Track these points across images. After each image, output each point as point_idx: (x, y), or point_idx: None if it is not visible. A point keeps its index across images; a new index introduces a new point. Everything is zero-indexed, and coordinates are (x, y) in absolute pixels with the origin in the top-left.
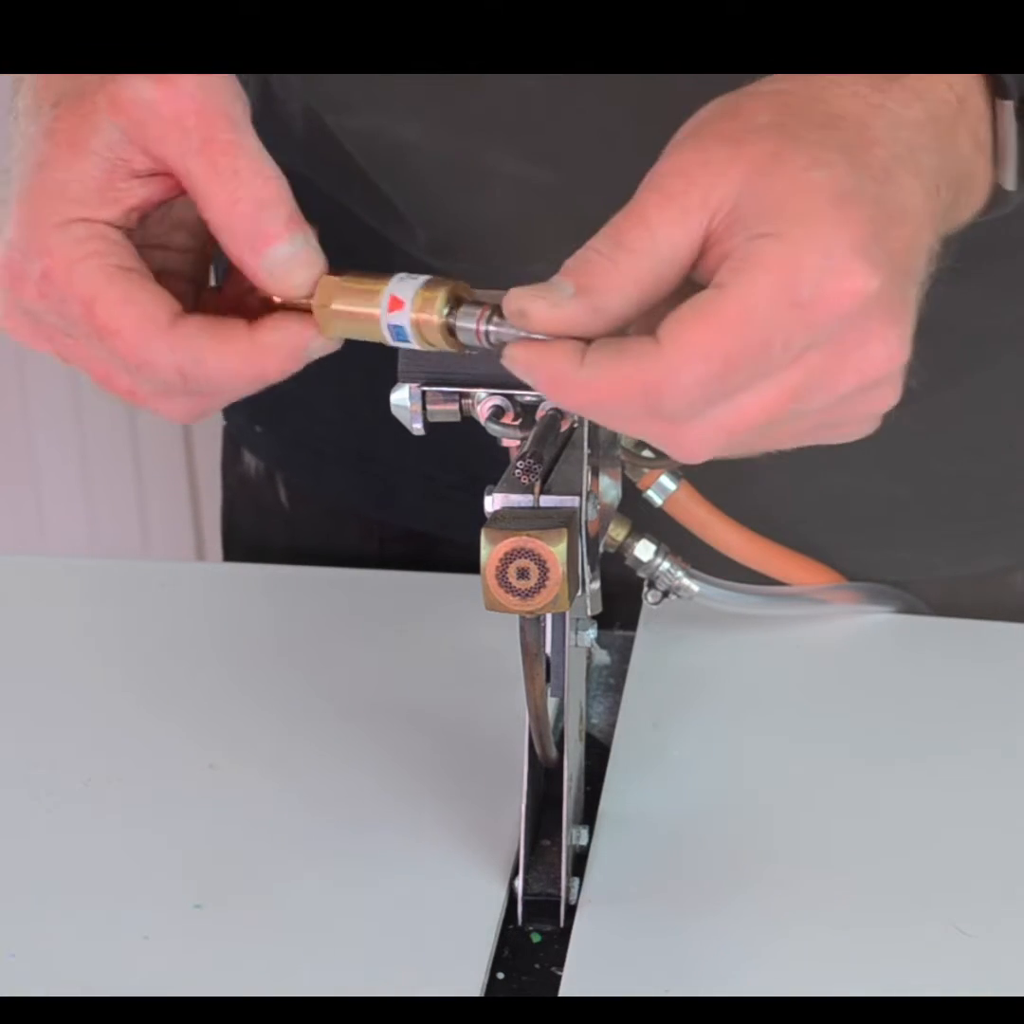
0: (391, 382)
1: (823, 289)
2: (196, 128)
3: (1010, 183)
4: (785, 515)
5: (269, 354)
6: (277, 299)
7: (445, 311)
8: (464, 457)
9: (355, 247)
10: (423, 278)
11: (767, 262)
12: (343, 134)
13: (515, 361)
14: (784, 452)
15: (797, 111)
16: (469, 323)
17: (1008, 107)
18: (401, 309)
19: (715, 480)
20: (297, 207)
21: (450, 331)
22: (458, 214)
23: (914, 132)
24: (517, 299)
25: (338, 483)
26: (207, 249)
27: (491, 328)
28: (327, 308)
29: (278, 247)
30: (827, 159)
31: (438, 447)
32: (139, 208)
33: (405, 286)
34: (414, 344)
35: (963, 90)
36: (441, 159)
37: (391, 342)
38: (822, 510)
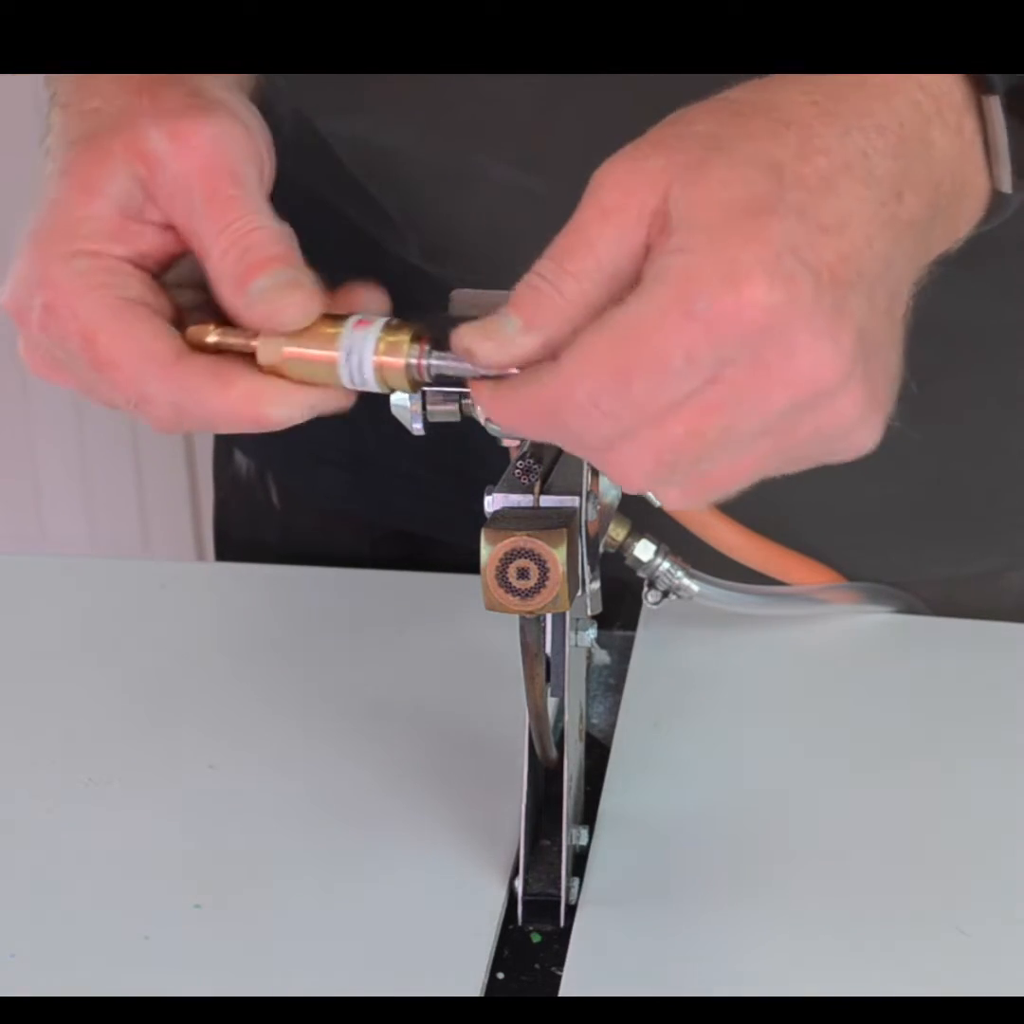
0: None
1: (721, 302)
2: (199, 184)
3: (1006, 186)
4: (785, 515)
5: (272, 408)
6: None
7: (412, 355)
8: (455, 458)
9: (346, 250)
10: (379, 321)
11: (667, 276)
12: (333, 139)
13: (476, 398)
14: None
15: (739, 120)
16: (430, 360)
17: (995, 103)
18: (365, 346)
19: None
20: (295, 253)
21: (412, 372)
22: (447, 219)
23: (870, 138)
24: (465, 337)
25: (329, 484)
26: None
27: (435, 362)
28: (276, 347)
29: (258, 280)
30: (748, 174)
31: (429, 448)
32: (152, 255)
33: (361, 334)
34: (374, 388)
35: (939, 90)
36: (431, 164)
37: (347, 386)
38: (820, 510)
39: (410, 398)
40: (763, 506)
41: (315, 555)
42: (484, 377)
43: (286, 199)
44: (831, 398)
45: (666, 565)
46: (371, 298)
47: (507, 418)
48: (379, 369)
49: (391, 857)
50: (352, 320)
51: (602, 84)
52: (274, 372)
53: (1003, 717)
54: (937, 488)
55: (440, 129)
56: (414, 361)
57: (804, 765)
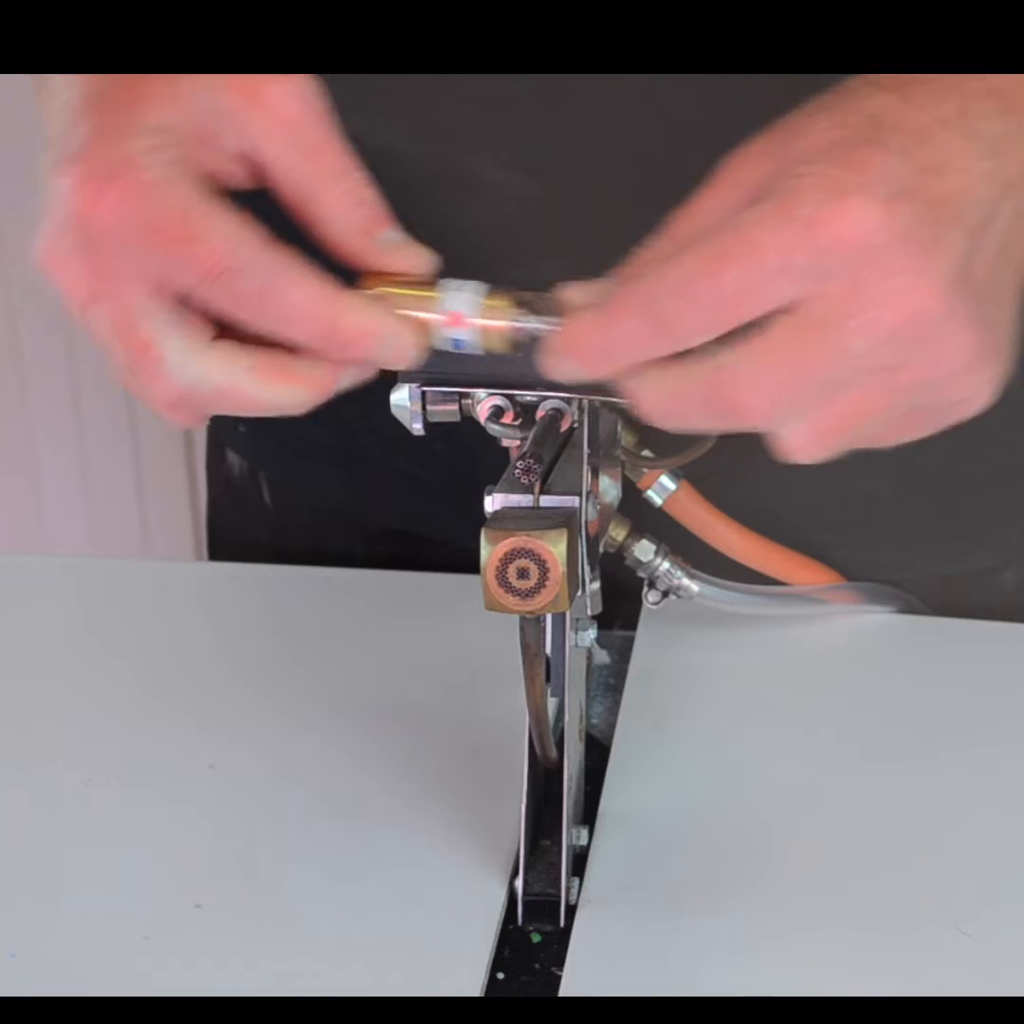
0: (373, 381)
1: (819, 212)
2: (310, 129)
3: None
4: (784, 515)
5: (346, 311)
6: None
7: (514, 317)
8: (448, 456)
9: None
10: (475, 285)
11: (771, 194)
12: None
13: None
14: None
15: (841, 92)
16: (530, 323)
17: None
18: (462, 322)
19: (715, 480)
20: None
21: (514, 334)
22: (441, 220)
23: (967, 100)
24: (565, 291)
25: (321, 482)
26: None
27: (534, 324)
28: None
29: (391, 231)
30: (850, 121)
31: (422, 446)
32: (211, 179)
33: (462, 298)
34: (470, 349)
35: None
36: (426, 165)
37: (445, 346)
38: (818, 509)
39: (410, 398)
40: (763, 506)
41: (308, 554)
42: None
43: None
44: (935, 330)
45: (666, 565)
46: (422, 258)
47: (602, 324)
48: (484, 332)
49: (391, 857)
50: (450, 284)
51: (597, 85)
52: None
53: (1003, 716)
54: (929, 486)
55: (435, 130)
56: (517, 324)
57: (804, 765)
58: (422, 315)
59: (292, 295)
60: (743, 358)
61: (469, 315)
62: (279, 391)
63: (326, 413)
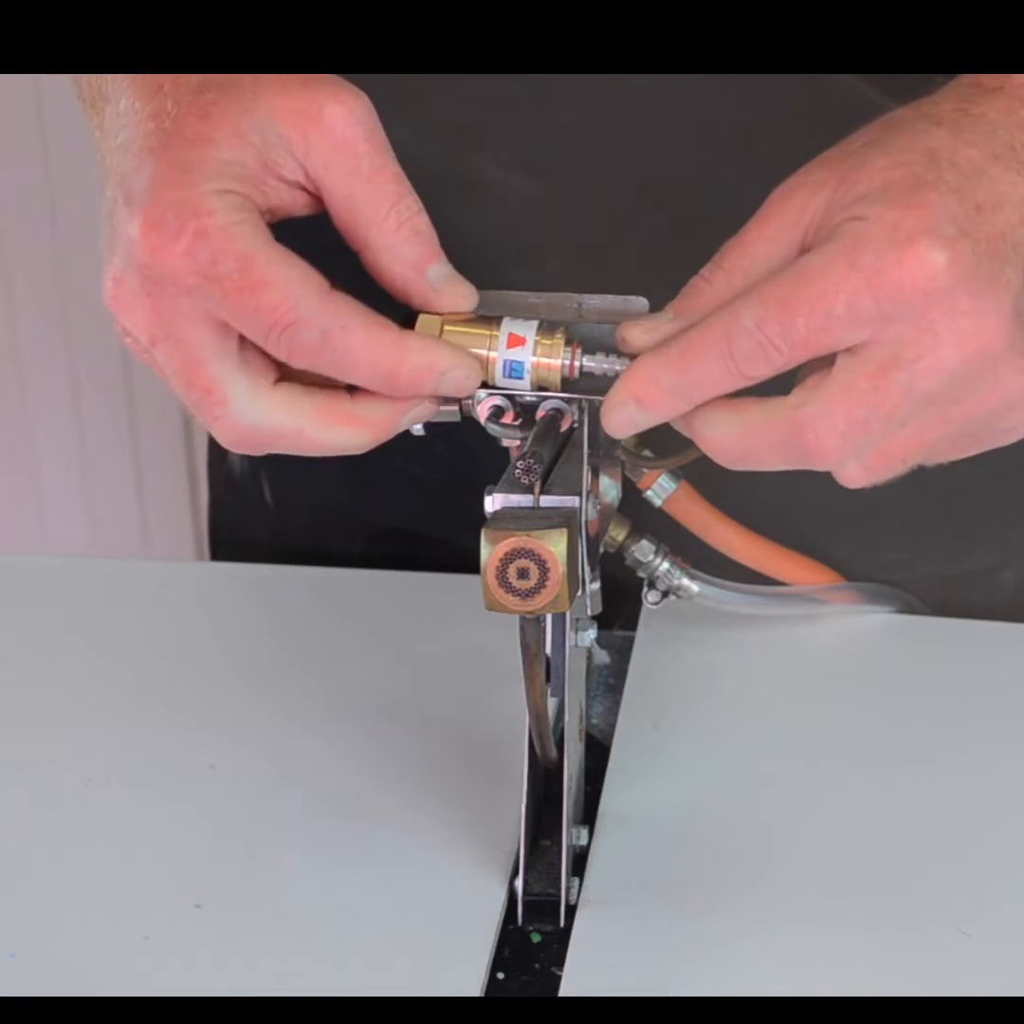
0: None
1: (885, 258)
2: (366, 155)
3: None
4: (784, 515)
5: (412, 355)
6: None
7: (566, 356)
8: (448, 456)
9: (343, 250)
10: (531, 323)
11: (836, 236)
12: None
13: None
14: None
15: (892, 125)
16: (582, 361)
17: None
18: (521, 347)
19: (715, 480)
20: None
21: (565, 372)
22: (445, 220)
23: (1015, 134)
24: (623, 328)
25: (323, 482)
26: None
27: (587, 363)
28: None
29: (439, 265)
30: (907, 158)
31: (422, 446)
32: (278, 211)
33: (520, 327)
34: (522, 388)
35: None
36: (428, 165)
37: (500, 378)
38: (818, 510)
39: None
40: (763, 506)
41: (308, 552)
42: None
43: None
44: (996, 365)
45: (666, 565)
46: (468, 296)
47: (677, 364)
48: (536, 369)
49: (391, 857)
50: (504, 323)
51: (598, 86)
52: None
53: (1003, 716)
54: (929, 487)
55: (437, 130)
56: (568, 362)
57: (804, 765)
58: (481, 352)
59: (354, 343)
60: (818, 400)
61: (524, 353)
62: (342, 434)
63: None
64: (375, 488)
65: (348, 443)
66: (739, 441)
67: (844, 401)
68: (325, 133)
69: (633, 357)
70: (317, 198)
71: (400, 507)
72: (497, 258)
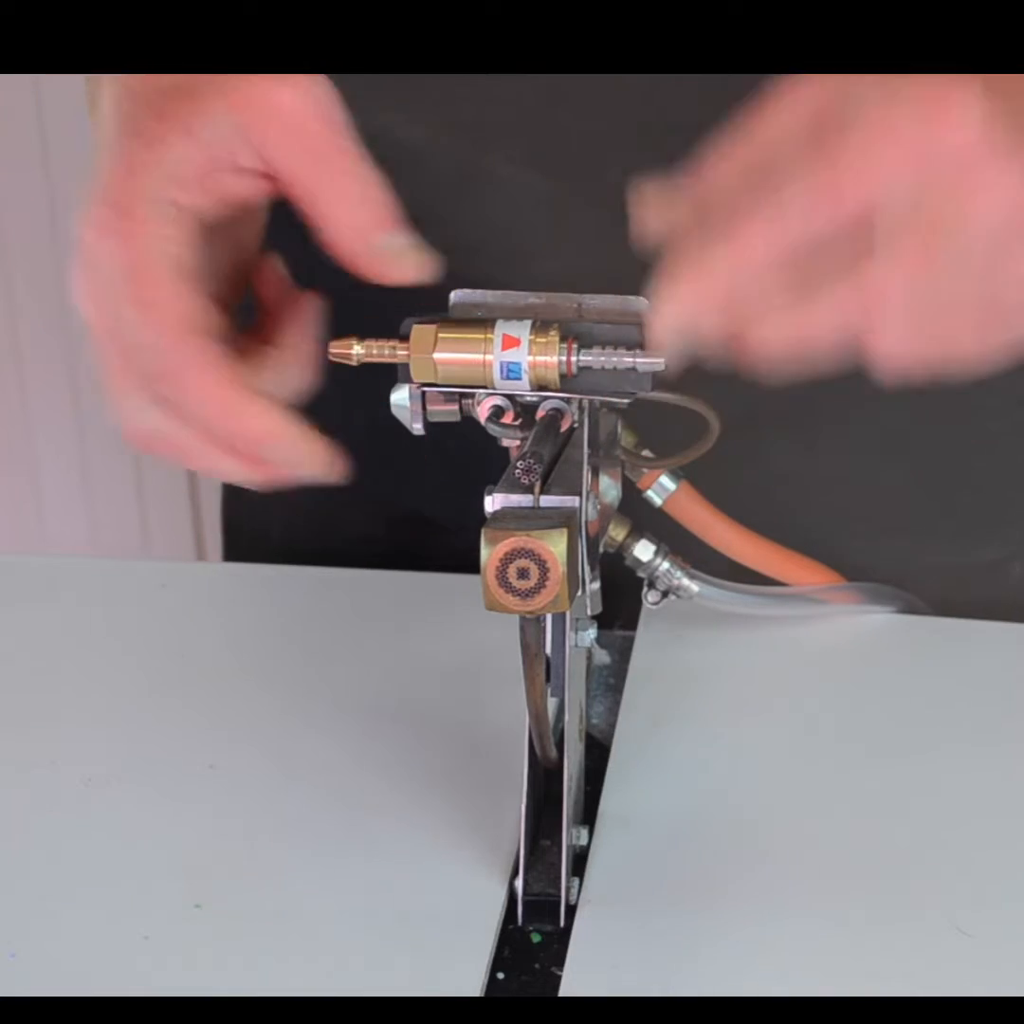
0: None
1: (925, 119)
2: (319, 134)
3: None
4: (785, 515)
5: (249, 419)
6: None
7: (563, 353)
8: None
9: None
10: (524, 323)
11: (860, 115)
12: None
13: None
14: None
15: None
16: (578, 357)
17: None
18: (516, 347)
19: (715, 480)
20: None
21: (562, 369)
22: (456, 216)
23: None
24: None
25: (345, 463)
26: (241, 287)
27: (583, 358)
28: (427, 356)
29: (394, 236)
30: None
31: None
32: (231, 202)
33: (514, 328)
34: (524, 383)
35: None
36: (443, 162)
37: (498, 381)
38: (818, 510)
39: (410, 397)
40: (763, 506)
41: (328, 536)
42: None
43: None
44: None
45: (666, 565)
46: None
47: (731, 253)
48: (533, 368)
49: (391, 856)
50: (498, 325)
51: (610, 83)
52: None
53: (1003, 716)
54: (931, 482)
55: (452, 127)
56: (564, 358)
57: (804, 765)
58: (476, 357)
59: (194, 386)
60: (877, 270)
61: (520, 353)
62: (227, 466)
63: (354, 396)
64: (400, 472)
65: (236, 477)
66: (800, 330)
67: (902, 266)
68: (276, 115)
69: (632, 353)
70: (274, 185)
71: (425, 493)
72: (509, 254)
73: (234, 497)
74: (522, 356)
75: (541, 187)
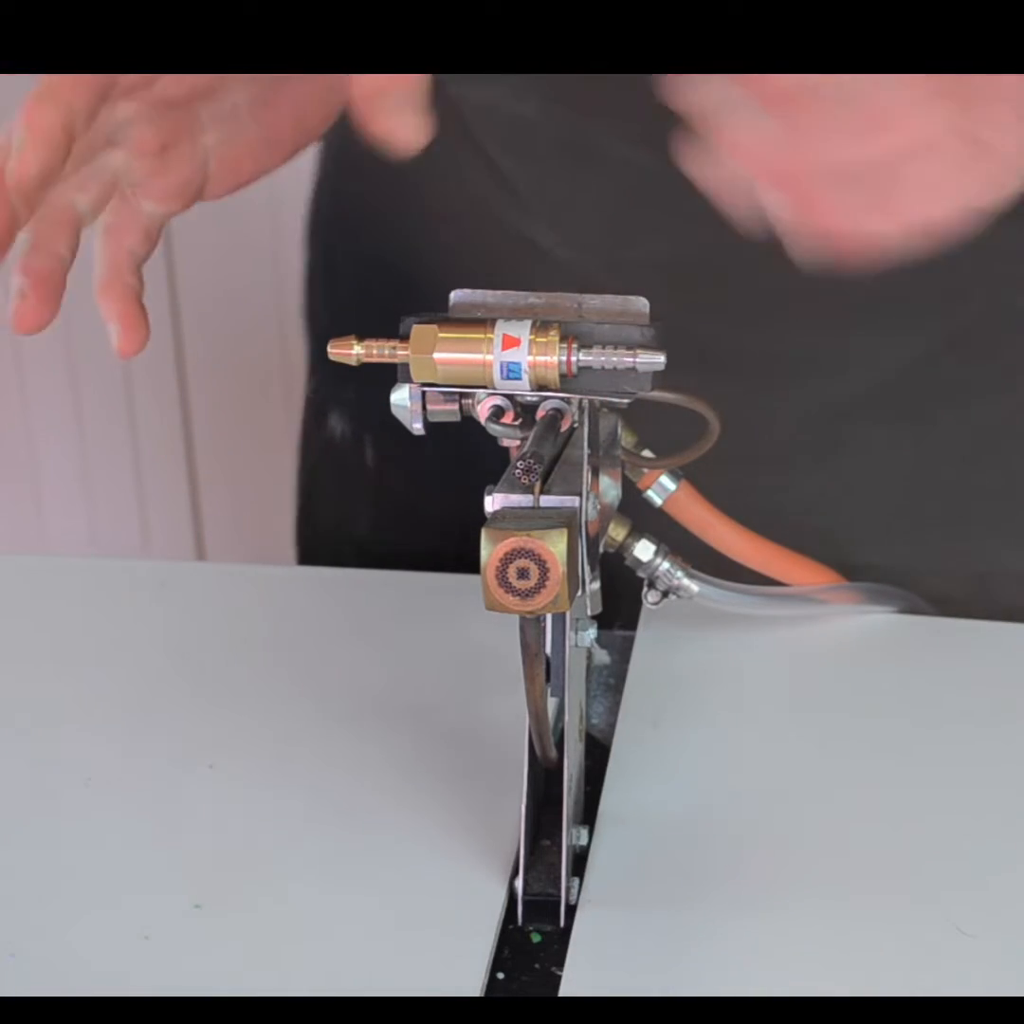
0: None
1: None
2: None
3: None
4: (786, 515)
5: None
6: None
7: (562, 353)
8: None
9: (461, 219)
10: (524, 324)
11: None
12: (462, 103)
13: None
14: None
15: None
16: (578, 357)
17: None
18: (516, 347)
19: (715, 480)
20: None
21: (563, 369)
22: (565, 192)
23: None
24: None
25: (429, 444)
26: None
27: (583, 358)
28: (427, 357)
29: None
30: None
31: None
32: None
33: (514, 327)
34: (524, 383)
35: None
36: (553, 136)
37: (498, 381)
38: (819, 511)
39: (410, 397)
40: (764, 506)
41: (408, 518)
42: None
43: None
44: None
45: (666, 565)
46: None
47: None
48: (533, 368)
49: (391, 857)
50: (498, 325)
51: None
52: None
53: (1005, 717)
54: (933, 489)
55: (563, 102)
56: (564, 358)
57: (804, 765)
58: (476, 357)
59: None
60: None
61: (519, 354)
62: None
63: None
64: (479, 456)
65: None
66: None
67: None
68: None
69: (632, 353)
70: None
71: (425, 491)
72: (613, 233)
73: (315, 477)
74: (522, 356)
75: (647, 165)
